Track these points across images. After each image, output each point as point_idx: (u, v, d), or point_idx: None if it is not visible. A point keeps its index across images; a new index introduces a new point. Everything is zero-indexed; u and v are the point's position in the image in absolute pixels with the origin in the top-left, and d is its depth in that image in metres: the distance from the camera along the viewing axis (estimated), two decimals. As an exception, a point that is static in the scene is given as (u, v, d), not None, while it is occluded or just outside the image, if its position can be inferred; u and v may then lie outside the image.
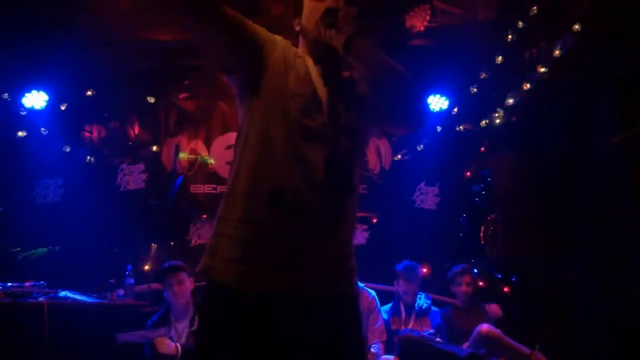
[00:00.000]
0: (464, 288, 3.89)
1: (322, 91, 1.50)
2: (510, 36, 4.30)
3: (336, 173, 1.44)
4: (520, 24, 4.19)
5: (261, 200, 1.41)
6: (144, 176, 4.80)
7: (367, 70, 1.48)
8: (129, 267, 4.00)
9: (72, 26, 4.16)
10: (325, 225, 1.44)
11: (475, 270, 4.35)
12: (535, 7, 4.04)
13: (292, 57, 1.53)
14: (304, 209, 1.41)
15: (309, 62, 1.54)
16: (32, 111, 4.63)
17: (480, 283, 3.97)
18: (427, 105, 1.16)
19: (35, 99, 4.60)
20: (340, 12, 1.48)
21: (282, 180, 1.41)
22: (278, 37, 1.56)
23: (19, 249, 4.26)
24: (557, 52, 4.05)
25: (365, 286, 3.89)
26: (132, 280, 3.94)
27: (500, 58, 4.45)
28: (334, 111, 1.49)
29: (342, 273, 1.50)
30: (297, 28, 1.61)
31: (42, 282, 3.67)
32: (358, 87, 1.55)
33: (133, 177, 4.80)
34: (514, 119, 4.59)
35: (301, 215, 1.41)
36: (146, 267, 4.58)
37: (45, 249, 4.35)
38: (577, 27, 3.85)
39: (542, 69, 4.20)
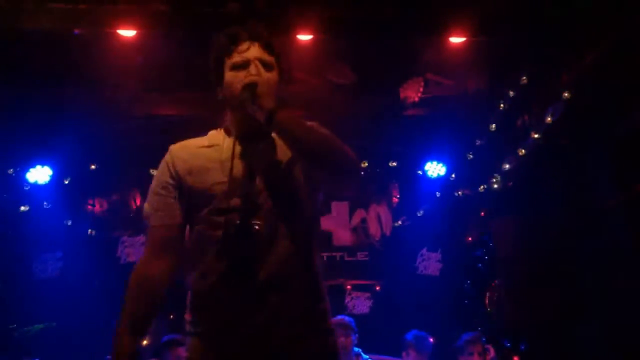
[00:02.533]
0: (475, 358, 3.72)
1: (238, 168, 1.50)
2: (502, 105, 4.45)
3: (246, 241, 1.44)
4: (511, 93, 4.35)
5: (197, 289, 1.53)
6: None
7: (292, 139, 1.47)
8: (127, 342, 3.89)
9: (78, 103, 4.30)
10: (259, 295, 1.45)
11: (483, 339, 4.22)
12: (524, 77, 4.21)
13: (202, 158, 1.56)
14: (230, 284, 1.45)
15: (226, 142, 1.56)
16: (35, 186, 4.69)
17: (491, 354, 3.82)
18: (347, 154, 1.18)
19: (39, 174, 4.67)
20: (260, 86, 1.46)
21: (206, 265, 1.50)
22: (172, 163, 1.61)
23: (15, 325, 4.17)
24: (548, 118, 4.18)
25: (370, 358, 3.77)
26: (129, 357, 3.82)
27: (493, 125, 4.58)
28: (250, 183, 1.49)
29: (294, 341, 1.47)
30: (220, 97, 1.61)
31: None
32: (279, 155, 1.55)
33: (134, 249, 4.78)
34: (510, 184, 4.65)
35: (231, 290, 1.45)
36: (144, 342, 4.46)
37: (41, 325, 4.25)
38: (566, 94, 4.00)
39: (536, 135, 4.31)
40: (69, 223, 4.80)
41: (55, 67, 3.88)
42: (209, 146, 1.59)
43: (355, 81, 4.21)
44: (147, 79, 4.07)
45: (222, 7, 3.40)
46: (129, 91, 4.21)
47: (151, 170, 4.93)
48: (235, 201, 1.47)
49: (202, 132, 1.68)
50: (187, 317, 1.55)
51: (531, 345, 4.36)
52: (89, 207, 4.94)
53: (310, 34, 3.62)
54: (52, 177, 4.72)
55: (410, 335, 3.81)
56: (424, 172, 4.96)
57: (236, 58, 1.54)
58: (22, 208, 4.72)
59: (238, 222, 1.44)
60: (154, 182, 1.65)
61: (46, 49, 3.71)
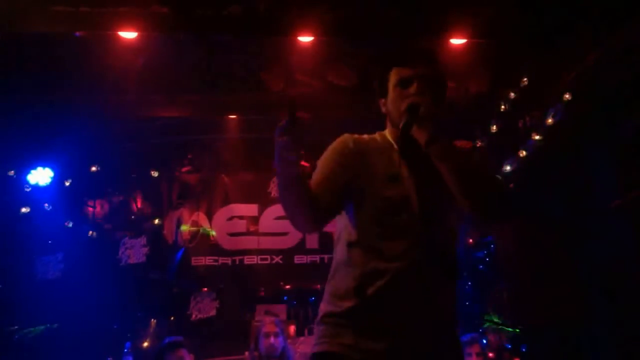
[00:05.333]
0: (473, 359, 3.75)
1: (408, 186, 1.53)
2: (503, 106, 4.44)
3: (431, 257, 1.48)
4: (512, 94, 4.35)
5: (350, 292, 1.48)
6: (145, 250, 4.79)
7: (446, 172, 1.46)
8: (128, 344, 3.90)
9: (79, 105, 4.31)
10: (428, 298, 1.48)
11: (485, 341, 4.22)
12: (525, 79, 4.20)
13: (379, 152, 1.58)
14: (386, 301, 1.46)
15: (395, 153, 1.58)
16: (36, 187, 4.70)
17: (490, 354, 3.83)
18: (510, 199, 1.22)
19: (40, 176, 4.68)
20: (422, 108, 1.47)
21: (365, 275, 1.48)
22: (350, 149, 1.59)
23: (16, 327, 4.17)
24: (549, 120, 4.17)
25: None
26: (130, 359, 3.83)
27: (494, 127, 4.58)
28: (421, 207, 1.51)
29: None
30: (383, 110, 1.64)
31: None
32: (440, 183, 1.51)
33: (134, 250, 4.79)
34: (511, 185, 4.64)
35: (389, 304, 1.46)
36: (145, 344, 4.46)
37: (42, 327, 4.26)
38: (567, 96, 3.99)
39: (537, 137, 4.30)
40: (70, 225, 4.80)
41: (57, 69, 3.89)
42: (381, 149, 1.60)
43: (356, 83, 4.21)
44: (148, 81, 4.07)
45: (223, 9, 3.40)
46: (130, 93, 4.21)
47: (152, 172, 4.95)
48: (405, 218, 1.50)
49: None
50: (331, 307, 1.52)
51: (533, 347, 4.35)
52: (90, 208, 4.95)
53: (311, 35, 3.63)
54: (53, 178, 4.73)
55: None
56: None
57: (405, 72, 1.55)
58: (23, 210, 4.73)
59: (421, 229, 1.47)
60: (325, 156, 1.61)
61: (47, 51, 3.71)
